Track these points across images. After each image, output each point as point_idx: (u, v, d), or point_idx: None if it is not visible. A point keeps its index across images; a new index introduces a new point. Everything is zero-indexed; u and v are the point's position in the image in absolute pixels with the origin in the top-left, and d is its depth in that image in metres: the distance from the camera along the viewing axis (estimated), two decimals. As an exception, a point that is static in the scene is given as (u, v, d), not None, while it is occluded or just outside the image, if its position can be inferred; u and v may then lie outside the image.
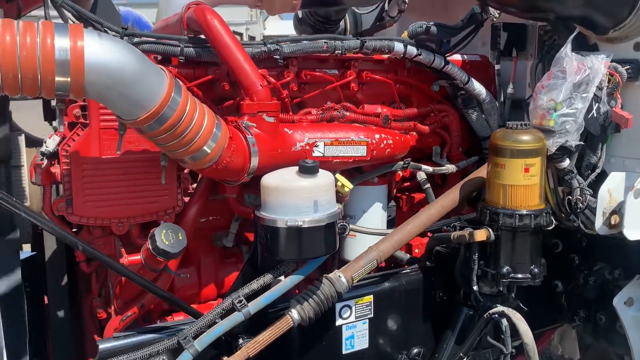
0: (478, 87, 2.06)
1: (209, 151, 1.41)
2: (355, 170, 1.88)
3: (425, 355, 1.94)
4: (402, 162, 1.93)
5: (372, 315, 1.83)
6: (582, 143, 1.75)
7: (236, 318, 1.40)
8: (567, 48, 1.70)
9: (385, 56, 1.95)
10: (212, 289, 1.79)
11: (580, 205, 1.79)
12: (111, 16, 2.04)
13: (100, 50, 1.15)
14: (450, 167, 2.07)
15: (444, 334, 1.95)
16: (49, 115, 1.95)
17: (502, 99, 2.13)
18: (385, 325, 1.88)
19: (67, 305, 1.81)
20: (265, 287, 1.48)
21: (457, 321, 1.94)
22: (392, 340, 1.89)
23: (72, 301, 1.84)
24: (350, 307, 1.78)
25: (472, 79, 2.05)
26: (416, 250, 2.10)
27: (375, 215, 1.96)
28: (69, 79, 1.12)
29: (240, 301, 1.41)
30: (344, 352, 1.80)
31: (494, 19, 2.04)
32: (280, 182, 1.43)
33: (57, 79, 1.11)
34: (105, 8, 1.96)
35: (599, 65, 1.68)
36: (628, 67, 1.72)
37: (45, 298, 1.89)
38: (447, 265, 1.91)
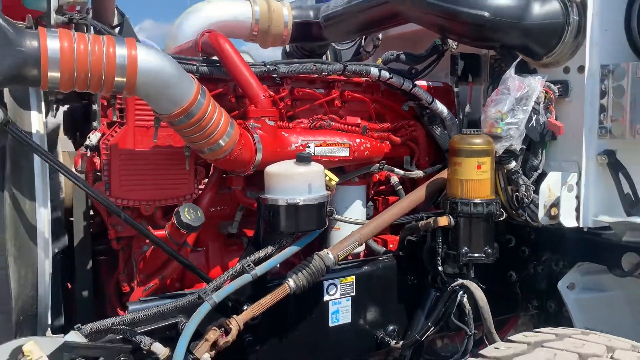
0: (441, 107, 2.46)
1: (223, 144, 1.75)
2: (339, 171, 2.23)
3: (400, 331, 2.26)
4: (379, 164, 2.30)
5: (354, 294, 2.15)
6: (524, 147, 2.14)
7: (246, 278, 1.72)
8: (511, 70, 2.10)
9: (363, 79, 2.34)
10: (218, 270, 2.10)
11: (526, 200, 2.16)
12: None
13: (149, 58, 1.50)
14: (418, 173, 2.44)
15: (415, 313, 2.28)
16: (70, 132, 2.27)
17: (461, 117, 2.53)
18: (365, 304, 2.20)
19: (91, 286, 2.09)
20: (268, 257, 1.80)
21: (426, 301, 2.27)
22: (371, 318, 2.21)
23: (96, 283, 2.12)
24: (335, 285, 2.11)
25: (436, 100, 2.45)
26: (391, 246, 2.44)
27: (356, 211, 2.31)
28: (125, 79, 1.47)
29: (249, 265, 1.73)
30: (330, 324, 2.11)
31: (453, 50, 2.46)
32: (282, 169, 1.79)
33: (116, 79, 1.46)
34: (128, 33, 2.32)
35: (535, 84, 2.08)
36: (559, 86, 2.13)
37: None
38: (417, 253, 2.26)
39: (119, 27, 2.25)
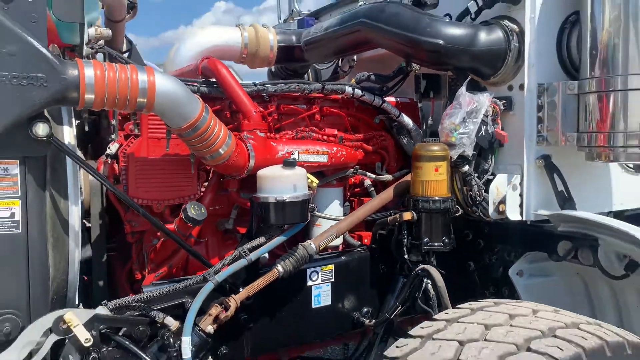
0: (407, 120, 2.84)
1: (222, 152, 2.11)
2: (319, 175, 2.60)
3: (373, 312, 2.62)
4: (353, 169, 2.67)
5: (333, 280, 2.51)
6: (475, 153, 2.52)
7: (242, 262, 2.08)
8: (463, 88, 2.50)
9: (339, 96, 2.72)
10: (216, 260, 2.44)
11: (478, 198, 2.54)
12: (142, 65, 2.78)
13: (164, 82, 1.86)
14: (388, 176, 2.81)
15: (386, 296, 2.64)
16: (82, 143, 2.61)
17: (424, 128, 2.91)
18: (343, 289, 2.55)
19: (106, 277, 2.42)
20: (260, 246, 2.16)
21: (395, 286, 2.64)
22: (348, 301, 2.57)
23: (109, 275, 2.46)
24: (317, 272, 2.47)
25: (403, 114, 2.83)
26: (365, 240, 2.81)
27: (334, 210, 2.67)
28: (145, 100, 1.82)
29: (244, 251, 2.09)
30: (313, 306, 2.47)
31: (416, 71, 2.84)
32: (271, 172, 2.15)
33: (138, 99, 1.81)
34: (136, 57, 2.68)
35: (484, 100, 2.48)
36: (504, 101, 2.52)
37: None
38: (386, 245, 2.63)
39: (128, 52, 2.61)
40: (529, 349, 1.58)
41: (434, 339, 1.73)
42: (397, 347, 1.79)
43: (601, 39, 2.25)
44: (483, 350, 1.60)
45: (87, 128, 2.36)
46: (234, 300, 2.09)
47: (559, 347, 1.56)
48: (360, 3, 3.21)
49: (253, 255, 2.11)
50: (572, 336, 1.64)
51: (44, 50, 1.68)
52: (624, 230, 2.14)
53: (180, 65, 2.93)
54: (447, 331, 1.78)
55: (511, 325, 1.73)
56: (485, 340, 1.66)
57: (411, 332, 1.85)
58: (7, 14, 1.65)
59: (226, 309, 2.08)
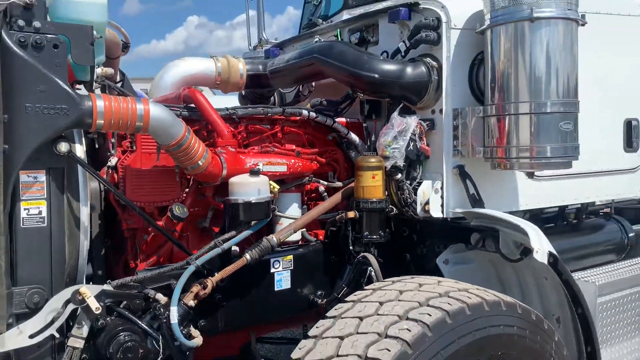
0: (354, 137, 3.43)
1: (200, 164, 2.67)
2: (280, 182, 3.17)
3: (325, 295, 3.18)
4: (308, 178, 3.26)
5: (292, 268, 3.07)
6: (406, 164, 3.13)
7: (217, 250, 2.64)
8: (396, 112, 3.10)
9: (297, 117, 3.30)
10: (196, 252, 2.99)
11: (409, 200, 3.13)
12: (133, 93, 3.32)
13: (156, 110, 2.42)
14: (338, 184, 3.40)
15: (336, 281, 3.22)
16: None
17: (368, 144, 3.50)
18: (301, 275, 3.12)
19: (104, 267, 2.94)
20: (232, 237, 2.73)
21: (344, 273, 3.21)
22: (304, 285, 3.13)
23: (107, 266, 2.98)
24: (279, 261, 3.03)
25: (351, 132, 3.43)
26: (320, 237, 3.39)
27: (293, 211, 3.24)
28: (142, 124, 2.38)
29: (219, 242, 2.65)
30: (275, 289, 3.03)
31: (361, 97, 3.45)
32: (240, 180, 2.72)
33: (137, 123, 2.37)
34: (129, 89, 3.23)
35: (412, 121, 3.08)
36: (428, 122, 3.12)
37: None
38: (336, 239, 3.22)
39: (121, 82, 3.16)
40: (407, 319, 2.15)
41: (342, 318, 2.30)
42: (316, 327, 2.35)
43: (498, 74, 2.89)
44: (375, 322, 2.16)
45: (97, 145, 2.90)
46: (210, 282, 2.65)
47: (428, 314, 2.14)
48: (315, 39, 3.82)
49: (226, 245, 2.67)
50: (440, 303, 2.21)
51: (66, 87, 2.23)
52: (515, 223, 2.76)
53: (164, 90, 3.50)
54: (351, 310, 2.34)
55: (399, 300, 2.29)
56: (378, 314, 2.22)
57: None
58: (39, 60, 2.20)
59: (204, 288, 2.63)
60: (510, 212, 3.07)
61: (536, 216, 3.69)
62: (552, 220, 3.95)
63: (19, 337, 2.20)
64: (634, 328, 3.56)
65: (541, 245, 2.60)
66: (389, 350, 2.01)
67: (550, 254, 2.63)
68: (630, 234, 4.09)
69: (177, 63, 3.71)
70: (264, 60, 4.04)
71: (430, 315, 2.13)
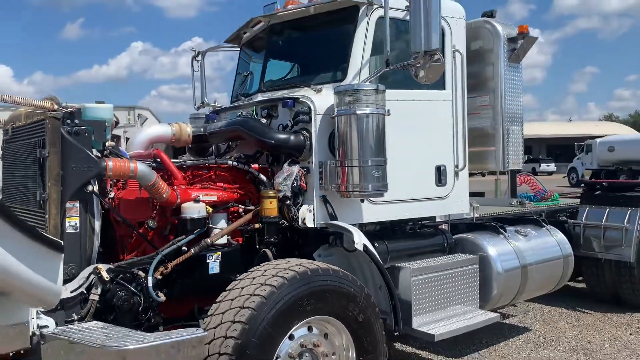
0: (263, 177, 5.39)
1: (165, 196, 4.57)
2: (213, 207, 5.07)
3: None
4: (231, 203, 5.19)
5: (220, 260, 4.96)
6: (292, 195, 5.09)
7: (174, 247, 4.53)
8: (286, 164, 5.09)
9: (225, 165, 5.24)
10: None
11: (295, 217, 5.10)
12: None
13: (141, 166, 4.32)
14: (251, 208, 5.32)
15: (248, 268, 5.14)
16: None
17: (272, 182, 5.48)
18: (226, 265, 5.00)
19: (102, 260, 4.75)
20: (183, 239, 4.63)
21: (253, 263, 5.13)
22: (228, 271, 5.01)
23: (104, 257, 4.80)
24: (212, 255, 4.91)
25: (261, 174, 5.39)
26: (239, 240, 5.30)
27: (222, 224, 5.15)
28: (132, 174, 4.28)
29: (175, 242, 4.55)
30: (209, 273, 4.90)
31: (266, 152, 5.43)
32: (188, 205, 4.64)
33: (129, 174, 4.26)
34: (119, 150, 5.11)
35: (295, 169, 5.06)
36: (306, 169, 5.11)
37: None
38: (249, 242, 5.15)
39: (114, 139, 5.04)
40: (276, 275, 4.09)
41: (242, 279, 4.25)
42: (230, 285, 4.29)
43: (341, 142, 4.91)
44: (259, 278, 4.11)
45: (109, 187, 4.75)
46: (170, 265, 4.52)
47: (286, 273, 4.10)
48: (239, 112, 5.79)
49: (179, 244, 4.57)
50: (293, 269, 4.17)
51: (92, 155, 4.11)
52: (348, 229, 4.78)
53: (137, 146, 5.41)
54: (248, 276, 4.29)
55: (274, 268, 4.24)
56: (262, 275, 4.18)
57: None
58: (78, 141, 4.07)
59: (166, 269, 4.50)
60: (356, 224, 5.11)
61: (386, 228, 5.75)
62: (395, 230, 6.00)
63: (65, 292, 4.01)
64: (440, 300, 5.59)
65: (359, 240, 4.64)
66: (265, 290, 3.95)
67: (364, 245, 4.66)
68: (450, 240, 6.21)
69: (144, 129, 5.65)
70: (204, 124, 6.01)
71: (288, 274, 4.10)
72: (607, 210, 8.19)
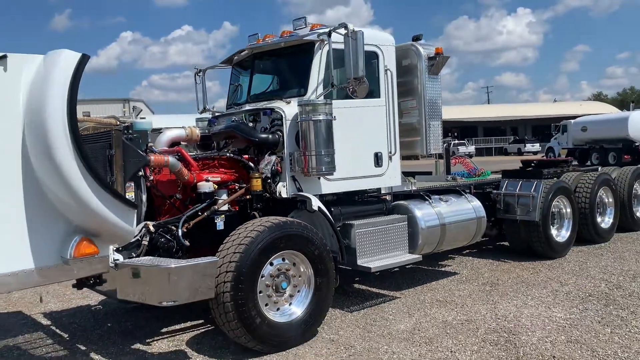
0: (251, 164, 7.76)
1: (186, 177, 6.93)
2: (218, 184, 7.43)
3: (239, 232, 7.48)
4: (230, 182, 7.56)
5: (224, 220, 7.32)
6: (271, 176, 7.45)
7: (192, 211, 6.92)
8: (267, 154, 7.46)
9: (225, 157, 7.59)
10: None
11: (275, 190, 7.46)
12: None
13: (171, 159, 6.68)
14: (244, 185, 7.71)
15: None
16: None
17: (259, 167, 7.84)
18: (228, 224, 7.36)
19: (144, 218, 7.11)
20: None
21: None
22: (229, 228, 7.38)
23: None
24: (218, 217, 7.28)
25: (250, 162, 7.76)
26: (236, 208, 7.68)
27: (224, 197, 7.55)
28: (167, 164, 6.64)
29: (194, 209, 6.94)
30: (217, 229, 7.27)
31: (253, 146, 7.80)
32: (201, 183, 7.02)
33: (165, 164, 6.63)
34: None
35: (273, 158, 7.43)
36: (280, 158, 7.49)
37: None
38: (243, 209, 7.52)
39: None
40: (259, 225, 6.50)
41: (236, 230, 6.66)
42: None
43: (303, 139, 7.26)
44: (247, 227, 6.51)
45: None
46: (191, 223, 6.89)
47: (265, 224, 6.50)
48: (233, 118, 8.13)
49: (197, 209, 6.96)
50: (270, 221, 6.56)
51: (141, 152, 6.48)
52: (306, 195, 7.17)
53: (162, 144, 7.79)
54: (240, 227, 6.69)
55: (259, 221, 6.65)
56: (251, 225, 6.58)
57: (242, 225, 6.79)
58: (132, 144, 6.42)
59: (189, 225, 6.87)
60: (317, 195, 7.50)
61: (341, 198, 8.14)
62: (347, 199, 8.36)
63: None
64: (377, 247, 7.99)
65: (315, 204, 7.05)
66: (253, 233, 6.35)
67: (319, 207, 7.07)
68: (389, 206, 8.62)
69: (166, 132, 8.03)
70: (209, 126, 8.39)
71: (268, 224, 6.49)
72: (520, 182, 10.62)
